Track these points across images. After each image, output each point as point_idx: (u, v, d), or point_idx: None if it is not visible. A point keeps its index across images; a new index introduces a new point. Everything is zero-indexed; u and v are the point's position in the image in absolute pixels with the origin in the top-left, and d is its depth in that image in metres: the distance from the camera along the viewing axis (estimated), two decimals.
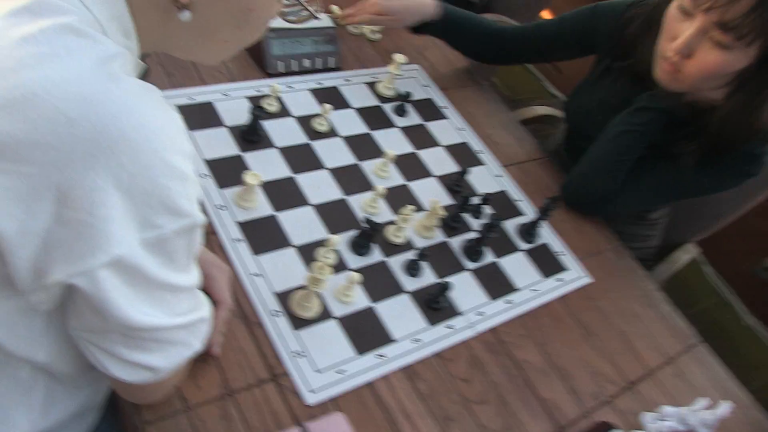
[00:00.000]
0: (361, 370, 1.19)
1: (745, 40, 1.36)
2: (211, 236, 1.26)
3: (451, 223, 1.51)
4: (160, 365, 0.82)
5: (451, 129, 1.78)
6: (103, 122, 0.65)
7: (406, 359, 1.24)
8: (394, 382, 1.20)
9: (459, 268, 1.45)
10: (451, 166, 1.67)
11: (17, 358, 0.85)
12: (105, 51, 0.70)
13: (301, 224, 1.36)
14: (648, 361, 1.48)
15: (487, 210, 1.59)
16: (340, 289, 1.27)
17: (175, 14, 0.79)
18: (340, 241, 1.34)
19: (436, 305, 1.33)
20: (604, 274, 1.62)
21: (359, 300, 1.29)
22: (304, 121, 1.57)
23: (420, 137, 1.70)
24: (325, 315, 1.24)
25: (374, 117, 1.68)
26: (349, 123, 1.63)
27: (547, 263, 1.56)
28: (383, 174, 1.54)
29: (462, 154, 1.72)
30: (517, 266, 1.52)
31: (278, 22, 1.61)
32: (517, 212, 1.65)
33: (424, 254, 1.35)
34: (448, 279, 1.36)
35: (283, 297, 1.23)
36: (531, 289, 1.48)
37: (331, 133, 1.58)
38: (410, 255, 1.40)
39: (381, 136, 1.64)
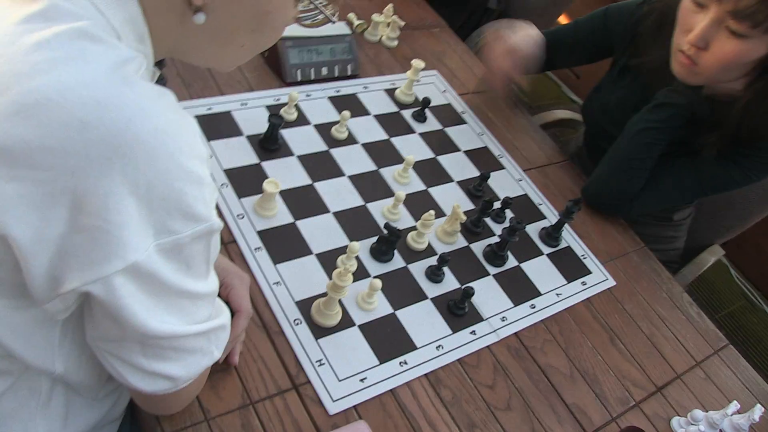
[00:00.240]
0: (383, 377, 1.18)
1: (761, 28, 1.34)
2: (230, 245, 1.26)
3: (473, 228, 1.49)
4: (179, 374, 0.81)
5: (470, 134, 1.76)
6: (118, 126, 0.64)
7: (428, 366, 1.22)
8: (417, 390, 1.19)
9: (481, 273, 1.43)
10: (471, 171, 1.65)
11: (35, 370, 0.84)
12: (119, 55, 0.69)
13: (321, 232, 1.35)
14: (676, 365, 1.45)
15: (509, 214, 1.57)
16: (362, 296, 1.26)
17: (190, 18, 0.78)
18: (361, 247, 1.33)
19: (458, 311, 1.32)
20: (628, 276, 1.60)
21: (381, 307, 1.28)
22: (323, 129, 1.56)
23: (440, 142, 1.69)
24: (346, 323, 1.23)
25: (393, 123, 1.67)
26: (369, 130, 1.63)
27: (570, 267, 1.54)
28: (403, 180, 1.52)
29: (482, 158, 1.71)
30: (540, 270, 1.50)
31: (295, 30, 1.61)
32: (539, 216, 1.63)
33: (446, 260, 1.34)
34: (470, 284, 1.35)
35: (304, 305, 1.22)
36: (555, 293, 1.46)
37: (351, 140, 1.57)
38: (432, 261, 1.38)
39: (400, 142, 1.63)
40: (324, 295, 1.20)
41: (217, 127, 1.45)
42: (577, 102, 3.32)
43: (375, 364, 1.19)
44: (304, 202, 1.39)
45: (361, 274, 1.30)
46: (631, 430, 1.25)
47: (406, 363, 1.21)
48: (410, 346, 1.24)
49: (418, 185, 1.55)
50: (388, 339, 1.23)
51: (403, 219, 1.45)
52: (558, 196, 1.71)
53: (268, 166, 1.42)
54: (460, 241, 1.47)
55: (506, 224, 1.52)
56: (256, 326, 1.16)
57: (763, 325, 2.75)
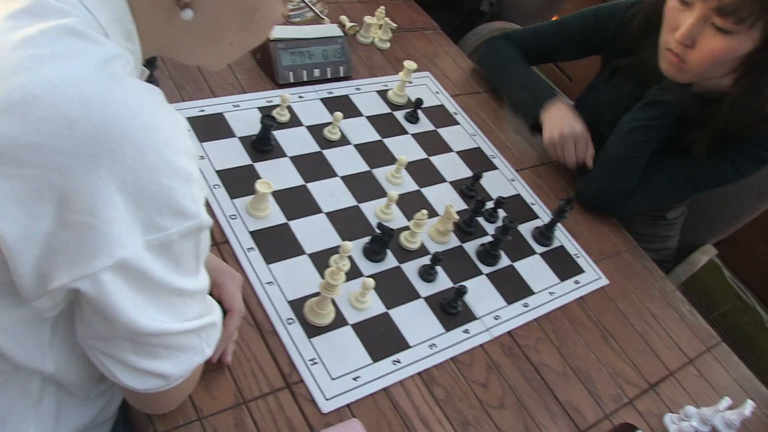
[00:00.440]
0: (376, 376, 1.18)
1: (746, 23, 1.36)
2: (223, 246, 1.26)
3: (466, 228, 1.50)
4: (171, 372, 0.81)
5: (463, 134, 1.77)
6: (105, 123, 0.64)
7: (422, 365, 1.22)
8: (410, 388, 1.19)
9: (474, 272, 1.43)
10: (464, 171, 1.66)
11: (26, 370, 0.84)
12: (106, 52, 0.69)
13: (313, 232, 1.35)
14: (669, 362, 1.46)
15: (502, 213, 1.57)
16: (355, 295, 1.26)
17: (178, 14, 0.78)
18: (354, 247, 1.33)
19: (451, 310, 1.32)
20: (621, 275, 1.60)
21: (374, 306, 1.28)
22: (316, 130, 1.56)
23: (432, 143, 1.69)
24: (339, 322, 1.23)
25: (386, 124, 1.68)
26: (361, 131, 1.63)
27: (563, 266, 1.54)
28: (396, 180, 1.53)
29: (475, 159, 1.71)
30: (533, 269, 1.50)
31: (287, 32, 1.61)
32: (532, 215, 1.64)
33: (439, 259, 1.34)
34: (463, 283, 1.35)
35: (297, 305, 1.22)
36: (548, 292, 1.47)
37: (343, 141, 1.58)
38: (425, 260, 1.38)
39: (393, 143, 1.63)
40: (317, 294, 1.20)
41: (209, 128, 1.45)
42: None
43: (368, 363, 1.19)
44: (297, 203, 1.39)
45: (354, 273, 1.30)
46: (624, 427, 1.26)
47: (399, 362, 1.21)
48: (403, 345, 1.24)
49: (410, 186, 1.55)
50: (381, 338, 1.23)
51: (396, 219, 1.45)
52: (550, 195, 1.72)
53: (260, 167, 1.42)
54: (453, 241, 1.47)
55: (499, 224, 1.52)
56: (249, 326, 1.16)
57: (756, 326, 2.75)
